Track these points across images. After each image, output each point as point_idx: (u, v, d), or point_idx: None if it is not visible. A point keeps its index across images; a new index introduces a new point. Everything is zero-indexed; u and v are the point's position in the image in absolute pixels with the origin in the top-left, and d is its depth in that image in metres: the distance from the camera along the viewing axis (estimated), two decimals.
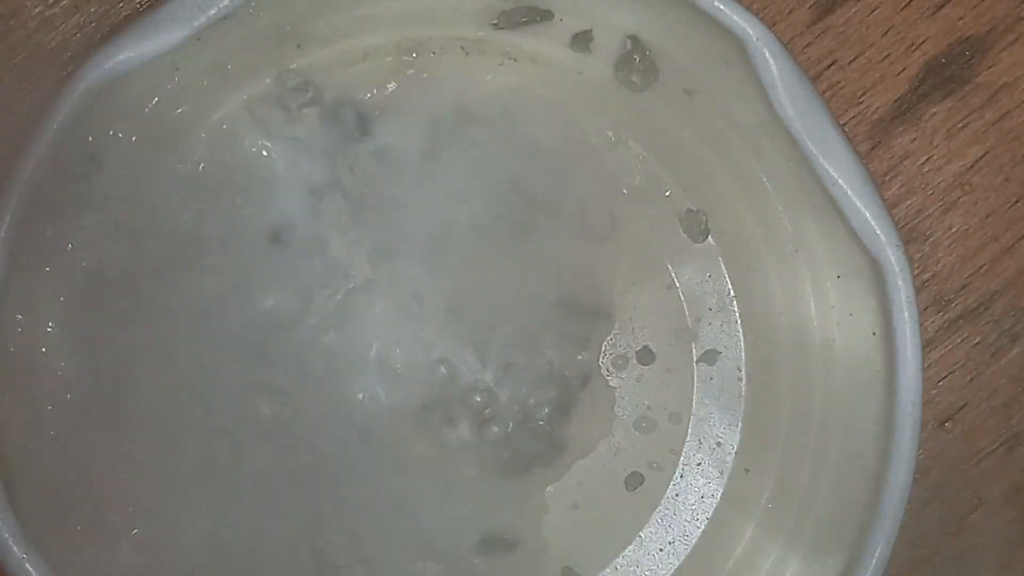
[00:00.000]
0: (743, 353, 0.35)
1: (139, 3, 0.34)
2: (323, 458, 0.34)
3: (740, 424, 0.35)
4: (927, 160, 0.35)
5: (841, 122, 0.33)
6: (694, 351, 0.35)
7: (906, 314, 0.31)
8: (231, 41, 0.33)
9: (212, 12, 0.31)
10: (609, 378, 0.35)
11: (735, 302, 0.35)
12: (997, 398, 0.35)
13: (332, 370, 0.34)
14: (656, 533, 0.35)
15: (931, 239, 0.35)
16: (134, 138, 0.33)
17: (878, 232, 0.31)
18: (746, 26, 0.31)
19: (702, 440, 0.35)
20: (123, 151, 0.33)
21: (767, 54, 0.31)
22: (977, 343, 0.35)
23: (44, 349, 0.33)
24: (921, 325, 0.32)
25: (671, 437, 0.35)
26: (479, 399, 0.34)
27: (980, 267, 0.35)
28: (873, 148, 0.35)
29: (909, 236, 0.35)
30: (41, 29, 0.34)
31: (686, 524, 0.35)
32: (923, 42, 0.35)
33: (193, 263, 0.34)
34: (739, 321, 0.35)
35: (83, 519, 0.33)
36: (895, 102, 0.35)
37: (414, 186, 0.34)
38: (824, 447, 0.34)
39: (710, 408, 0.35)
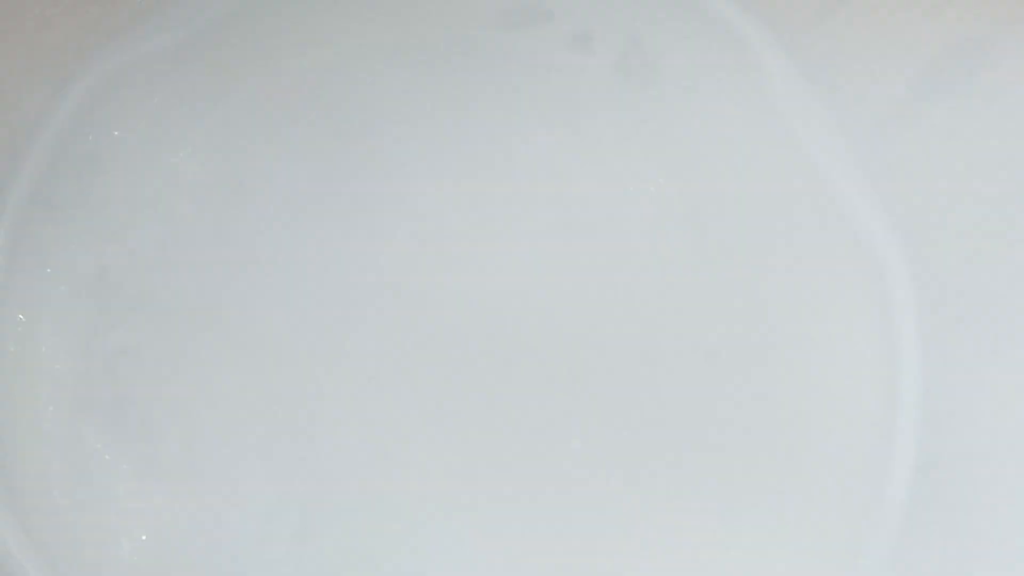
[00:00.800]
0: (744, 353, 0.35)
1: (139, 3, 0.34)
2: (323, 463, 0.34)
3: (740, 424, 0.35)
4: (927, 160, 0.35)
5: (841, 122, 0.33)
6: (694, 351, 0.35)
7: (906, 314, 0.31)
8: (231, 41, 0.33)
9: (212, 12, 0.31)
10: None
11: (735, 302, 0.35)
12: (997, 398, 0.35)
13: (333, 373, 0.34)
14: (657, 534, 0.35)
15: (931, 239, 0.35)
16: (134, 138, 0.33)
17: (878, 232, 0.31)
18: (746, 26, 0.31)
19: (702, 439, 0.35)
20: (123, 151, 0.33)
21: (767, 54, 0.31)
22: (977, 343, 0.35)
23: (44, 349, 0.33)
24: (921, 325, 0.32)
25: (671, 435, 0.35)
26: None
27: (980, 267, 0.35)
28: (873, 148, 0.35)
29: (909, 236, 0.35)
30: (41, 29, 0.34)
31: (686, 525, 0.35)
32: (923, 42, 0.35)
33: (193, 263, 0.34)
34: (739, 321, 0.35)
35: (83, 519, 0.33)
36: (895, 102, 0.35)
37: (414, 184, 0.35)
38: (824, 447, 0.34)
39: (713, 406, 0.35)
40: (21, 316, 0.33)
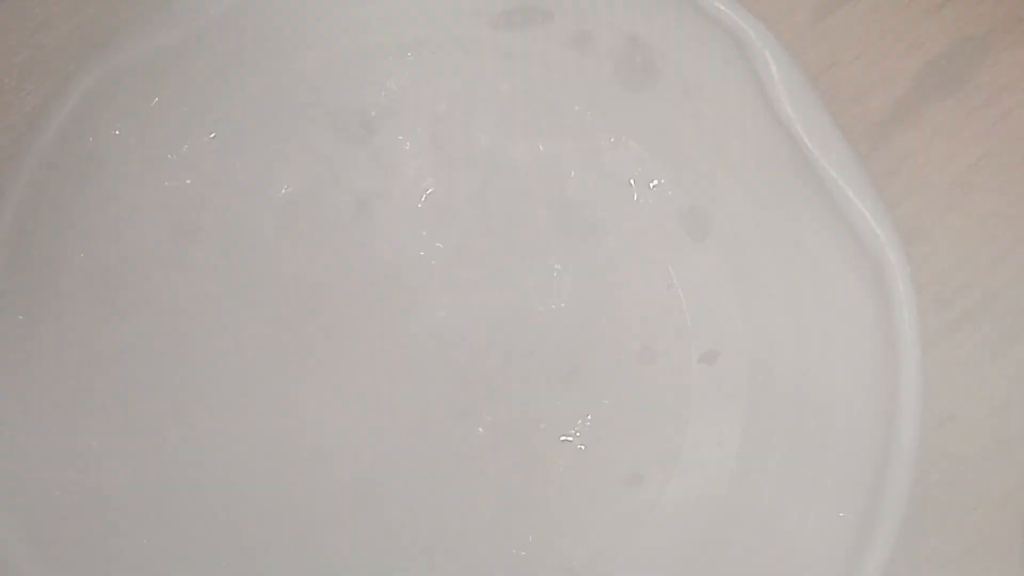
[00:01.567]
0: (743, 353, 0.35)
1: (139, 3, 0.34)
2: (323, 462, 0.34)
3: (740, 424, 0.35)
4: (927, 160, 0.35)
5: (841, 122, 0.33)
6: (694, 351, 0.35)
7: (906, 314, 0.32)
8: (231, 41, 0.33)
9: (212, 12, 0.31)
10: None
11: (735, 302, 0.35)
12: (997, 398, 0.35)
13: (333, 372, 0.34)
14: (656, 533, 0.35)
15: (931, 239, 0.35)
16: (134, 138, 0.33)
17: (878, 232, 0.31)
18: (746, 26, 0.31)
19: (702, 440, 0.35)
20: (123, 151, 0.33)
21: (767, 54, 0.31)
22: (977, 343, 0.35)
23: (44, 349, 0.33)
24: (921, 325, 0.32)
25: (671, 437, 0.35)
26: None
27: (980, 267, 0.35)
28: (873, 148, 0.35)
29: (909, 236, 0.35)
30: (41, 29, 0.34)
31: (686, 525, 0.35)
32: (923, 42, 0.35)
33: (193, 262, 0.34)
34: (739, 321, 0.35)
35: (83, 519, 0.33)
36: (895, 102, 0.35)
37: (414, 183, 0.35)
38: (824, 448, 0.34)
39: (710, 408, 0.35)
40: (21, 316, 0.33)
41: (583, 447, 0.35)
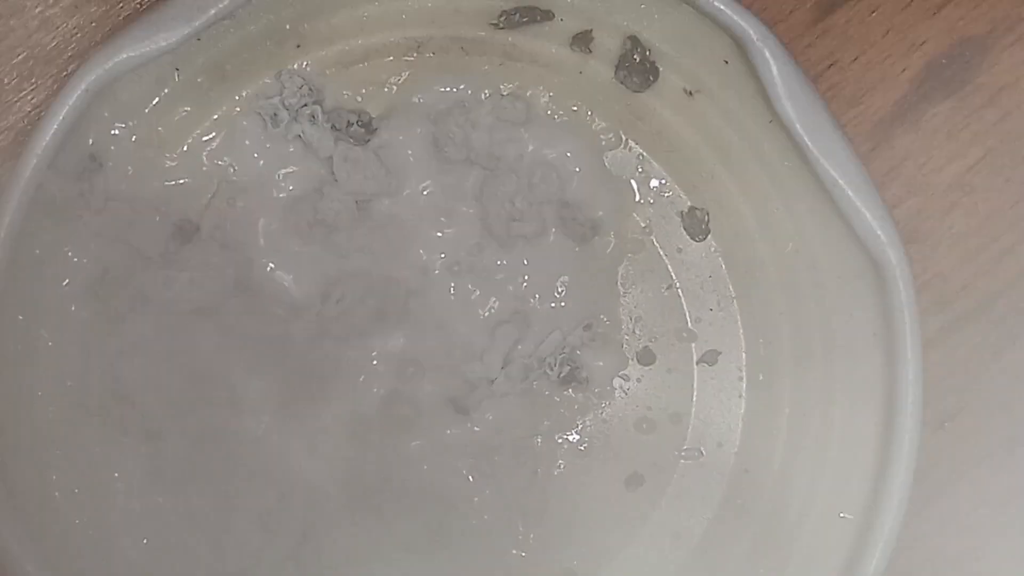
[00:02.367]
0: (743, 353, 0.35)
1: (139, 3, 0.34)
2: (324, 463, 0.34)
3: (740, 424, 0.35)
4: (927, 161, 0.35)
5: (841, 122, 0.33)
6: (694, 351, 0.35)
7: (906, 314, 0.31)
8: (231, 41, 0.33)
9: (212, 12, 0.31)
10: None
11: (735, 302, 0.35)
12: (997, 398, 0.35)
13: (333, 371, 0.34)
14: (656, 533, 0.35)
15: (931, 240, 0.35)
16: (134, 138, 0.33)
17: (878, 232, 0.31)
18: (746, 26, 0.31)
19: (702, 440, 0.35)
20: (123, 151, 0.33)
21: (767, 54, 0.31)
22: (977, 343, 0.35)
23: (44, 349, 0.33)
24: (921, 325, 0.32)
25: (671, 437, 0.35)
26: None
27: (980, 268, 0.35)
28: (873, 149, 0.35)
29: (909, 237, 0.35)
30: (41, 29, 0.34)
31: (686, 525, 0.35)
32: (923, 43, 0.35)
33: (193, 262, 0.34)
34: (739, 321, 0.35)
35: (83, 519, 0.33)
36: (895, 103, 0.35)
37: (414, 183, 0.35)
38: (824, 447, 0.34)
39: (710, 408, 0.35)
40: (21, 316, 0.33)
41: (583, 447, 0.35)
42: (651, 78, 0.34)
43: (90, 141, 0.33)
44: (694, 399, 0.35)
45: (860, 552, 0.32)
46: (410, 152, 0.34)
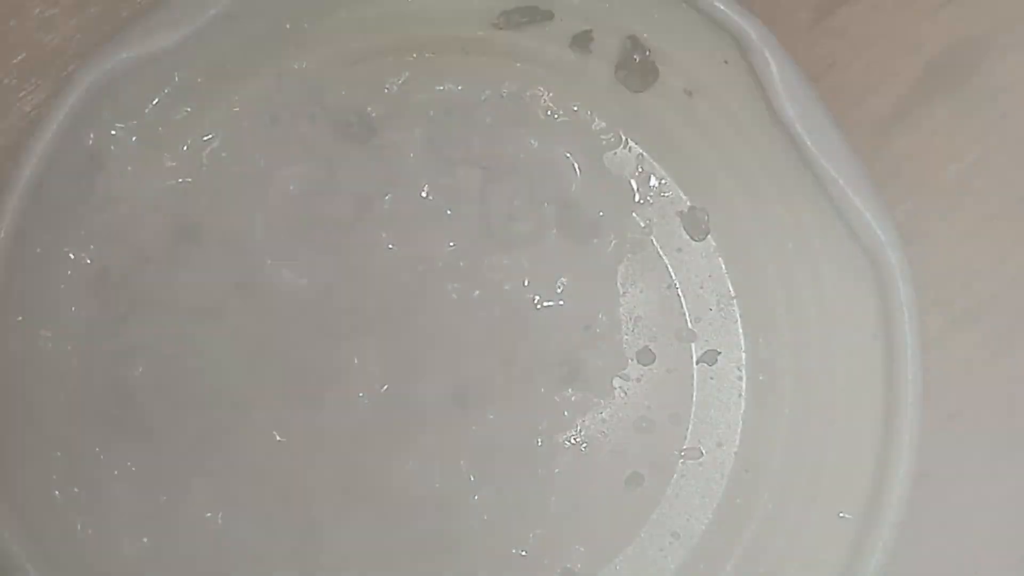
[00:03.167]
0: (743, 353, 0.35)
1: (139, 3, 0.34)
2: (325, 462, 0.35)
3: (740, 424, 0.35)
4: (927, 160, 0.35)
5: (841, 122, 0.33)
6: (694, 351, 0.35)
7: (906, 314, 0.31)
8: (231, 41, 0.33)
9: (212, 12, 0.31)
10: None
11: (735, 302, 0.35)
12: (997, 398, 0.35)
13: (333, 371, 0.34)
14: (656, 533, 0.35)
15: (931, 239, 0.35)
16: (134, 138, 0.33)
17: (878, 232, 0.31)
18: (746, 26, 0.31)
19: (702, 440, 0.35)
20: (123, 151, 0.33)
21: (767, 54, 0.31)
22: (977, 343, 0.35)
23: (44, 349, 0.33)
24: (921, 325, 0.32)
25: (671, 437, 0.35)
26: None
27: (980, 268, 0.35)
28: (873, 148, 0.35)
29: (909, 236, 0.35)
30: (41, 29, 0.34)
31: (686, 525, 0.35)
32: (923, 42, 0.35)
33: (193, 263, 0.34)
34: (739, 321, 0.35)
35: (83, 519, 0.33)
36: (895, 103, 0.35)
37: (414, 183, 0.35)
38: (824, 447, 0.34)
39: (710, 408, 0.35)
40: (21, 316, 0.33)
41: (583, 447, 0.35)
42: (651, 78, 0.34)
43: (90, 141, 0.33)
44: (694, 399, 0.35)
45: (860, 552, 0.32)
46: (410, 152, 0.34)
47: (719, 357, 0.35)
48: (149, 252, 0.34)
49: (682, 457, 0.35)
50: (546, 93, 0.35)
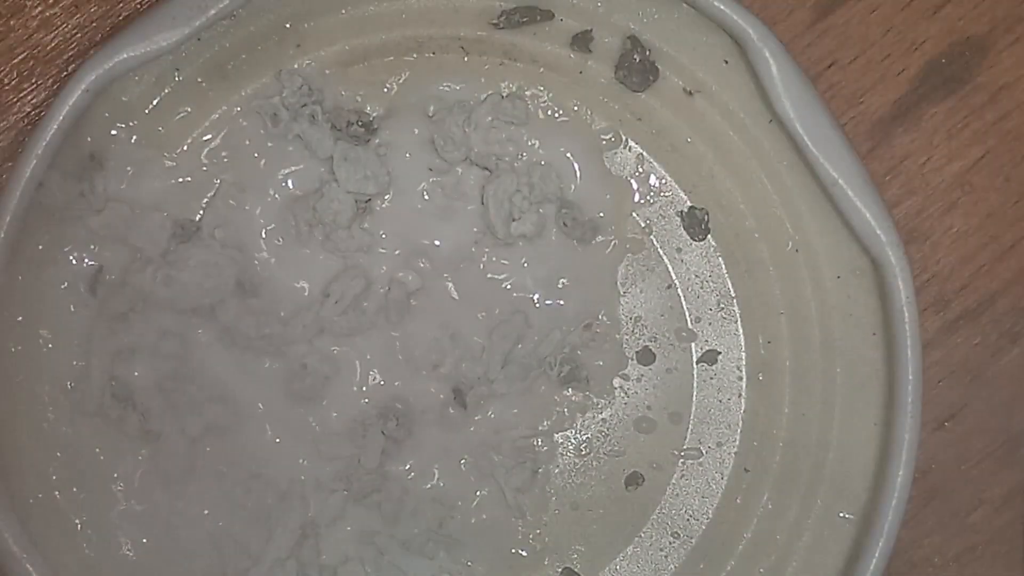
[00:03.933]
0: (743, 353, 0.35)
1: (139, 3, 0.34)
2: (326, 463, 0.35)
3: (740, 424, 0.35)
4: (927, 160, 0.35)
5: (841, 122, 0.33)
6: (694, 351, 0.35)
7: (906, 314, 0.31)
8: (231, 41, 0.33)
9: (212, 12, 0.31)
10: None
11: (735, 302, 0.35)
12: (997, 398, 0.35)
13: (333, 371, 0.34)
14: (656, 533, 0.35)
15: (931, 239, 0.35)
16: (134, 138, 0.33)
17: (878, 232, 0.31)
18: (746, 26, 0.31)
19: (702, 440, 0.35)
20: (123, 151, 0.33)
21: (767, 54, 0.31)
22: (977, 343, 0.35)
23: (44, 349, 0.33)
24: (921, 325, 0.32)
25: (671, 437, 0.35)
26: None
27: (980, 267, 0.35)
28: (873, 148, 0.35)
29: (909, 236, 0.35)
30: (41, 29, 0.34)
31: (686, 525, 0.35)
32: (923, 42, 0.35)
33: (193, 262, 0.34)
34: (739, 321, 0.35)
35: (83, 519, 0.33)
36: (895, 102, 0.35)
37: (414, 183, 0.35)
38: (824, 447, 0.34)
39: (710, 408, 0.35)
40: (21, 316, 0.33)
41: (583, 447, 0.35)
42: (651, 78, 0.34)
43: (90, 141, 0.33)
44: (694, 399, 0.35)
45: (860, 552, 0.32)
46: (410, 152, 0.34)
47: (719, 357, 0.35)
48: (149, 252, 0.34)
49: (682, 457, 0.35)
50: (546, 93, 0.35)
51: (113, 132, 0.33)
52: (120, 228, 0.33)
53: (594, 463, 0.35)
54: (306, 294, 0.34)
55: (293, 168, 0.34)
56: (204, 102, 0.34)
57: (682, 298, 0.35)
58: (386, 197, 0.35)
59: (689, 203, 0.35)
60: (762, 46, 0.31)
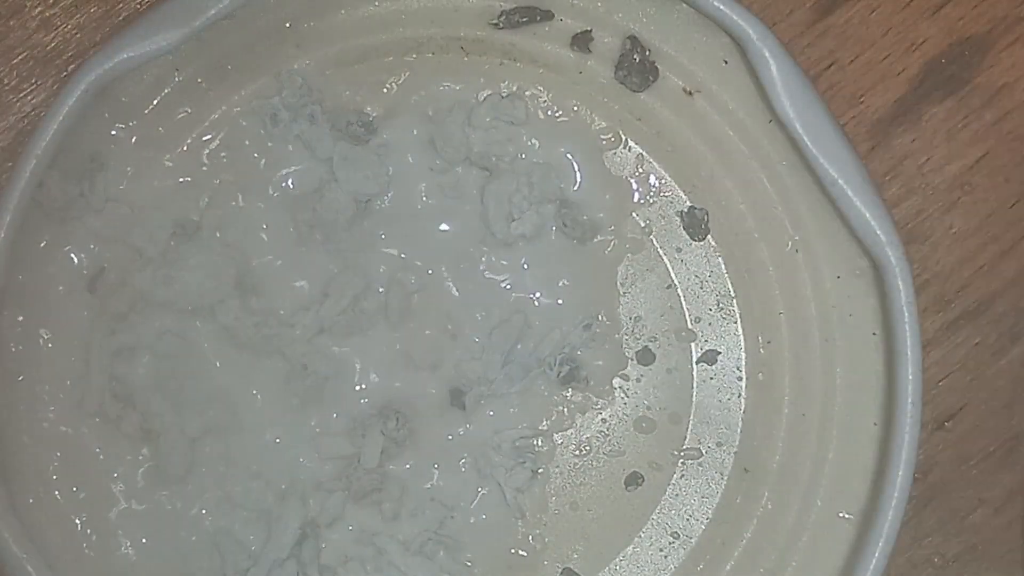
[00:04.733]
0: (743, 353, 0.35)
1: (139, 3, 0.34)
2: (326, 464, 0.35)
3: (740, 424, 0.35)
4: (927, 160, 0.35)
5: (841, 122, 0.33)
6: (694, 351, 0.35)
7: (906, 314, 0.31)
8: (231, 41, 0.33)
9: (212, 12, 0.31)
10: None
11: (735, 302, 0.35)
12: (997, 398, 0.35)
13: (333, 371, 0.34)
14: (656, 533, 0.35)
15: (931, 239, 0.35)
16: (134, 138, 0.33)
17: (878, 232, 0.31)
18: (746, 26, 0.31)
19: (702, 440, 0.35)
20: (123, 151, 0.33)
21: (767, 54, 0.31)
22: (977, 343, 0.35)
23: (44, 349, 0.33)
24: (921, 325, 0.32)
25: (671, 437, 0.35)
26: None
27: (980, 267, 0.35)
28: (873, 148, 0.35)
29: (909, 236, 0.35)
30: (41, 29, 0.34)
31: (686, 525, 0.35)
32: (923, 42, 0.35)
33: (193, 262, 0.34)
34: (739, 321, 0.35)
35: (83, 519, 0.33)
36: (895, 102, 0.35)
37: (414, 183, 0.35)
38: (824, 447, 0.34)
39: (710, 408, 0.35)
40: (21, 316, 0.33)
41: (583, 447, 0.35)
42: (651, 78, 0.34)
43: (90, 141, 0.33)
44: (693, 399, 0.35)
45: (860, 552, 0.32)
46: (409, 152, 0.34)
47: (719, 357, 0.35)
48: (149, 252, 0.34)
49: (682, 457, 0.35)
50: (546, 93, 0.35)
51: (113, 132, 0.33)
52: (120, 228, 0.33)
53: (594, 463, 0.35)
54: (306, 294, 0.34)
55: (293, 168, 0.34)
56: (204, 102, 0.34)
57: (682, 298, 0.35)
58: (386, 197, 0.35)
59: (689, 203, 0.35)
60: (762, 46, 0.31)
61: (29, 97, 0.34)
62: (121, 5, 0.34)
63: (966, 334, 0.35)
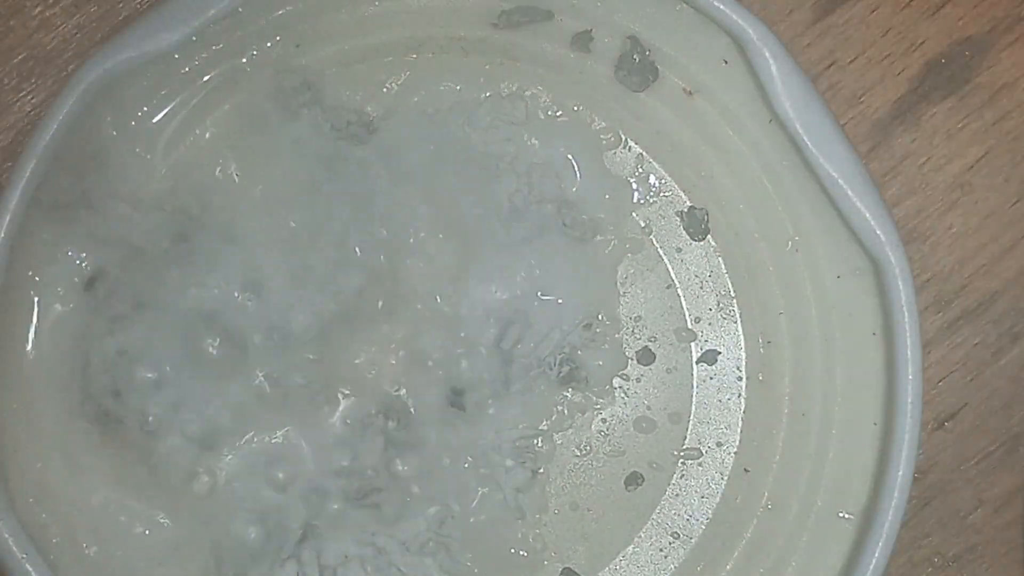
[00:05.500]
0: (743, 353, 0.35)
1: (139, 3, 0.34)
2: (326, 464, 0.35)
3: (740, 424, 0.35)
4: (927, 160, 0.35)
5: (841, 122, 0.33)
6: (694, 351, 0.35)
7: (906, 314, 0.31)
8: (231, 41, 0.33)
9: (212, 12, 0.31)
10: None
11: (735, 302, 0.35)
12: (997, 398, 0.35)
13: (331, 372, 0.34)
14: (656, 533, 0.35)
15: (931, 239, 0.35)
16: (134, 138, 0.33)
17: (878, 232, 0.31)
18: (746, 26, 0.31)
19: (702, 440, 0.35)
20: (123, 151, 0.33)
21: (767, 54, 0.31)
22: (977, 343, 0.35)
23: (44, 349, 0.33)
24: (921, 325, 0.32)
25: (671, 437, 0.35)
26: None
27: (980, 267, 0.35)
28: (873, 148, 0.35)
29: (909, 236, 0.35)
30: (41, 29, 0.34)
31: (686, 525, 0.35)
32: (923, 42, 0.35)
33: (192, 263, 0.34)
34: (739, 321, 0.35)
35: (84, 520, 0.33)
36: (895, 102, 0.35)
37: (416, 184, 0.35)
38: (824, 447, 0.34)
39: (710, 408, 0.35)
40: (20, 316, 0.33)
41: (583, 447, 0.35)
42: (651, 78, 0.34)
43: (90, 141, 0.33)
44: (694, 399, 0.35)
45: (860, 552, 0.32)
46: (410, 152, 0.34)
47: (719, 357, 0.35)
48: (149, 252, 0.34)
49: (682, 457, 0.35)
50: (546, 93, 0.35)
51: (113, 132, 0.33)
52: (120, 228, 0.33)
53: (594, 463, 0.35)
54: (306, 293, 0.34)
55: (293, 168, 0.34)
56: (204, 102, 0.34)
57: (682, 298, 0.35)
58: (386, 197, 0.34)
59: (689, 203, 0.35)
60: (762, 46, 0.31)
61: (29, 97, 0.34)
62: (121, 5, 0.34)
63: (966, 334, 0.35)
